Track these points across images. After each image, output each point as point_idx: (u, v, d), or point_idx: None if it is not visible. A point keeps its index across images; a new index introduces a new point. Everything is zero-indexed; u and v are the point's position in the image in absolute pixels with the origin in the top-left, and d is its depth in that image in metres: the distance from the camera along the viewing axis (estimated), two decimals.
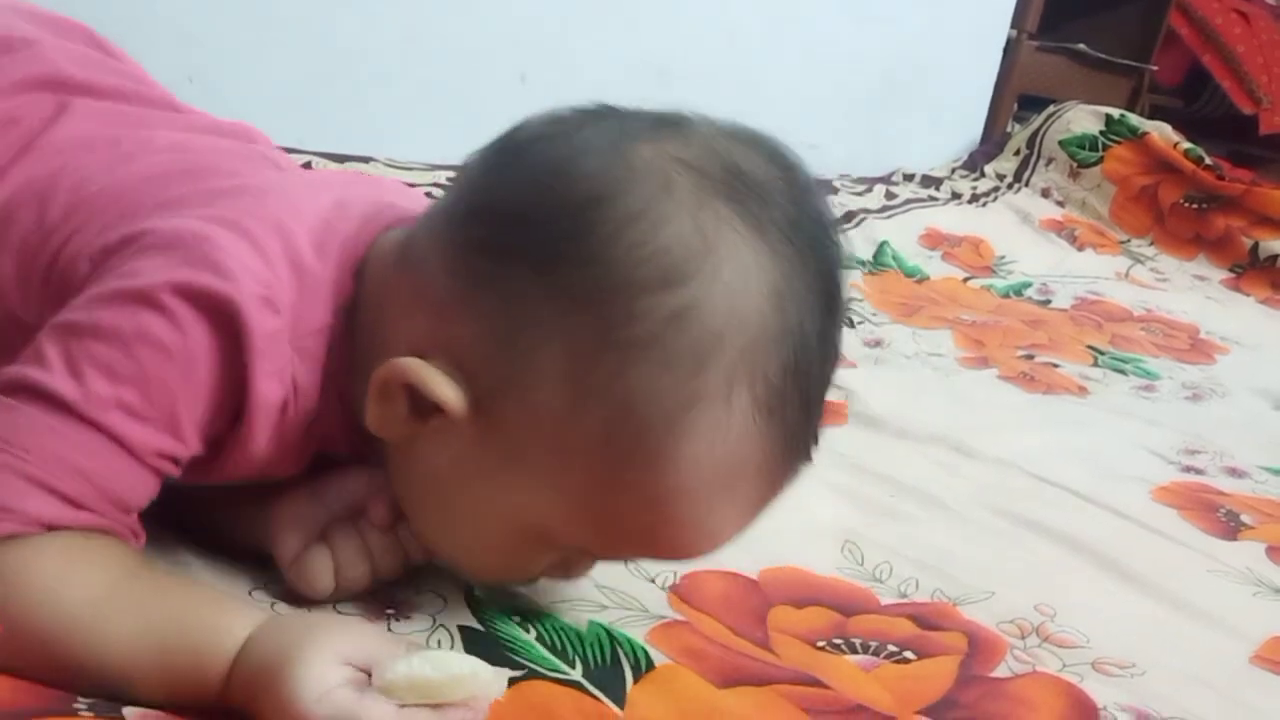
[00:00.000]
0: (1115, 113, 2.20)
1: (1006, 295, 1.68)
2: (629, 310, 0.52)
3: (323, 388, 0.59)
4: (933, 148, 2.27)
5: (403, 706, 0.49)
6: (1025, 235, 1.97)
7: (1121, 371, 1.39)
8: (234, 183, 0.63)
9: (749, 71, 1.90)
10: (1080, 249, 1.98)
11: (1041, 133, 2.22)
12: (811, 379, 0.56)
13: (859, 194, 1.91)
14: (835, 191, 1.88)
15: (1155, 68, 2.71)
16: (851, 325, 1.36)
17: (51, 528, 0.52)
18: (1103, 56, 2.57)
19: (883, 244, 1.71)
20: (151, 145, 0.66)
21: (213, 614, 0.53)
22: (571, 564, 0.63)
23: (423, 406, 0.55)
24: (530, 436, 0.54)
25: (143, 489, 0.55)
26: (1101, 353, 1.45)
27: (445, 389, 0.54)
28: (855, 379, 1.16)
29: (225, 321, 0.54)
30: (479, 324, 0.54)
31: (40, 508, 0.51)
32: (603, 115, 0.57)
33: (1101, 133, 2.17)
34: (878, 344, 1.33)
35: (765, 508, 0.58)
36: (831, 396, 1.12)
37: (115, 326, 0.53)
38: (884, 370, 1.25)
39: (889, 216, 1.84)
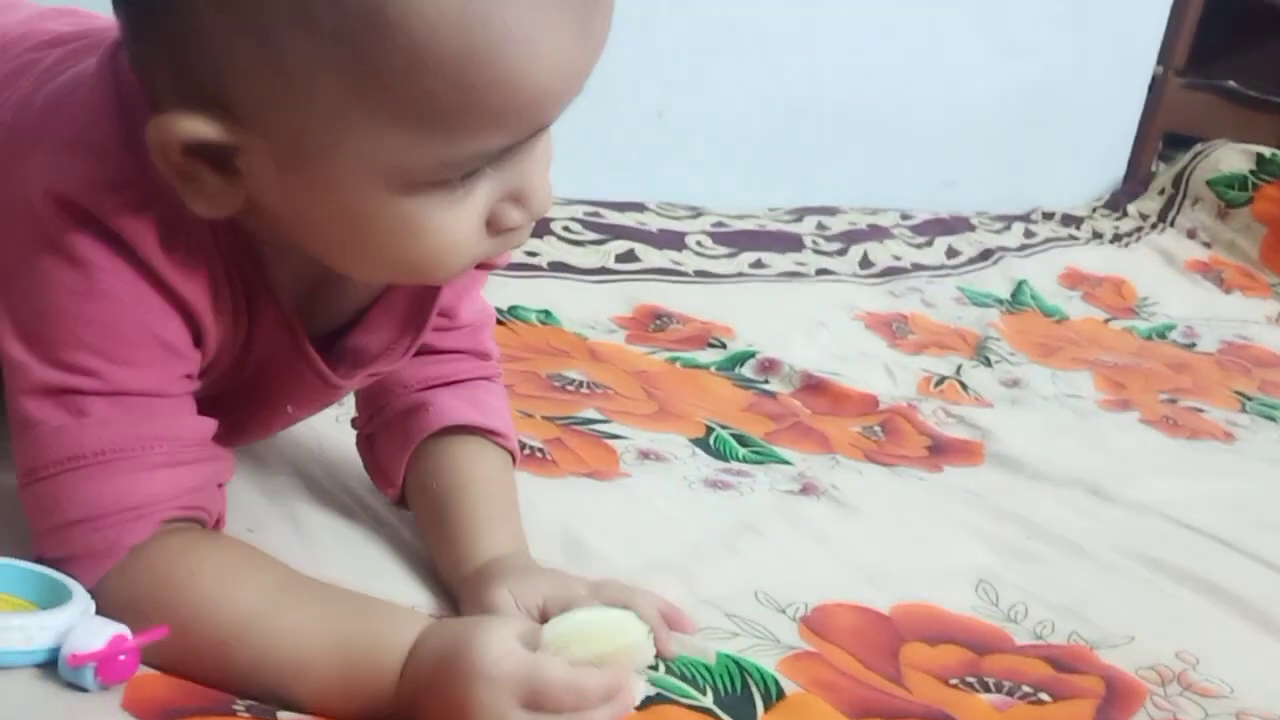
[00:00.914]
0: (1266, 151, 2.13)
1: (1149, 338, 1.64)
2: None
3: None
4: (1073, 186, 2.23)
5: (572, 663, 0.52)
6: (1170, 277, 1.92)
7: (1271, 419, 1.35)
8: None
9: (885, 107, 1.90)
10: (1228, 291, 1.92)
11: (1188, 172, 2.16)
12: None
13: (997, 232, 1.88)
14: (973, 228, 1.86)
15: None
16: (989, 364, 1.35)
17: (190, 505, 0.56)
18: (1253, 94, 2.49)
19: (1021, 283, 1.68)
20: None
21: (385, 609, 0.57)
22: (501, 219, 0.55)
23: (217, 160, 0.52)
24: (301, 98, 0.49)
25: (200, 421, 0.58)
26: (1249, 398, 1.41)
27: (199, 125, 0.50)
28: (992, 419, 1.15)
29: (107, 237, 0.54)
30: (173, 54, 0.51)
31: (170, 484, 0.56)
32: None
33: (1252, 172, 2.11)
34: (1015, 384, 1.31)
35: (588, 30, 0.51)
36: (968, 435, 1.12)
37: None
38: (1021, 411, 1.24)
39: (1028, 255, 1.82)
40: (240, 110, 0.50)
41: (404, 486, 0.72)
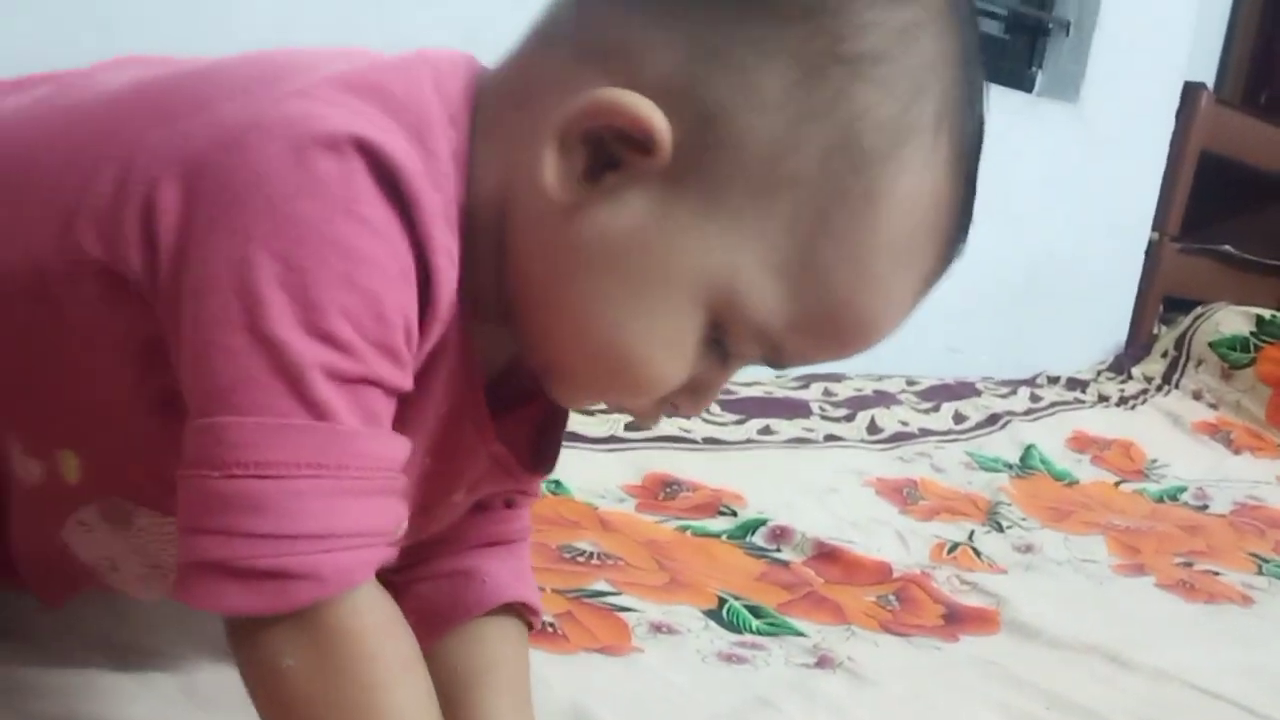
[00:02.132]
0: (1266, 313, 2.16)
1: (1161, 500, 1.64)
2: (860, 20, 0.49)
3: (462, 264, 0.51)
4: (1077, 350, 2.25)
5: None
6: (1178, 439, 1.93)
7: None
8: (289, 64, 0.53)
9: None
10: (1237, 452, 1.92)
11: (1190, 334, 2.19)
12: (977, 156, 0.53)
13: (1003, 396, 1.90)
14: (979, 393, 1.87)
15: None
16: (1001, 529, 1.34)
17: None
18: (1250, 257, 2.54)
19: (1029, 447, 1.69)
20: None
21: None
22: (705, 386, 0.56)
23: (600, 162, 0.50)
24: (736, 172, 0.49)
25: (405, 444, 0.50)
26: (1265, 560, 1.40)
27: (657, 117, 0.48)
28: (1006, 585, 1.14)
29: (394, 196, 0.47)
30: (679, 50, 0.49)
31: (392, 516, 0.49)
32: None
33: (1252, 334, 2.13)
34: (1028, 549, 1.31)
35: (930, 290, 0.55)
36: (983, 603, 1.11)
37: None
38: (1035, 577, 1.23)
39: (1035, 419, 1.83)
40: (681, 127, 0.49)
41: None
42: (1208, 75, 2.66)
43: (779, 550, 1.16)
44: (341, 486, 0.46)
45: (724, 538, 1.18)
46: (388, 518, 0.48)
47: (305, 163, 0.46)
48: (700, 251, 0.50)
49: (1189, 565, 1.33)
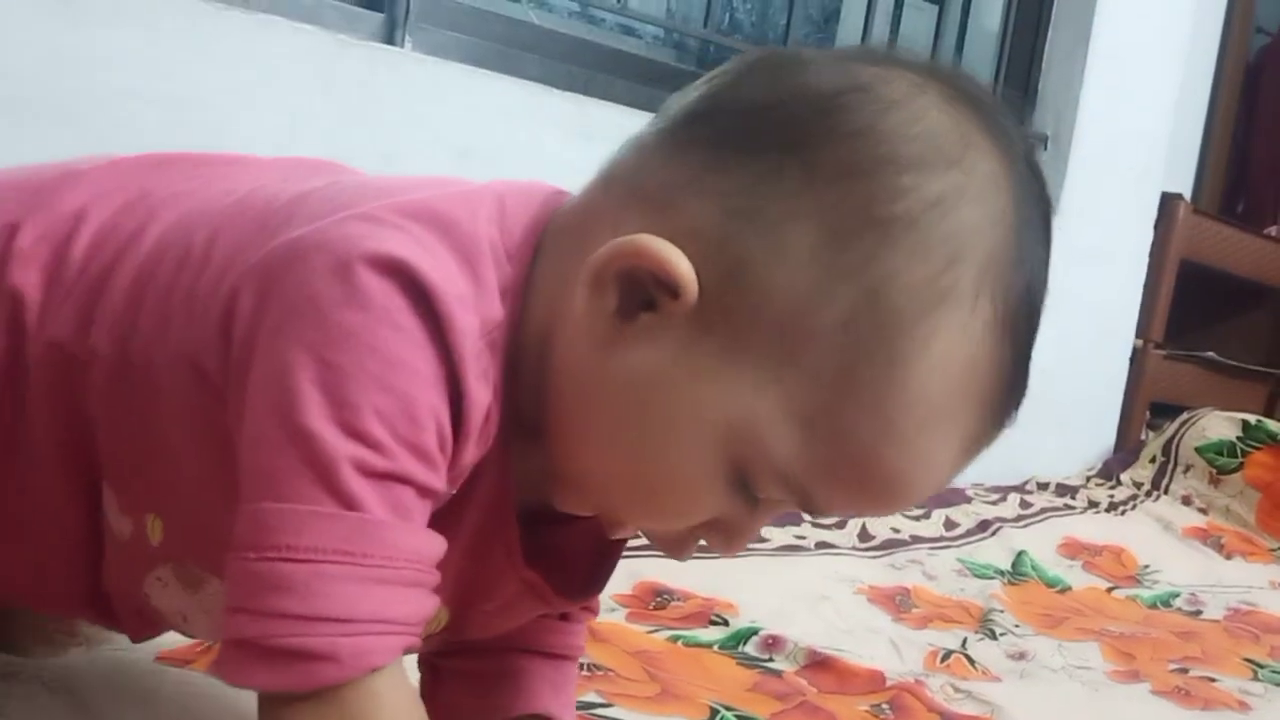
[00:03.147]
0: (1251, 418, 2.18)
1: (1154, 606, 1.63)
2: (894, 185, 0.49)
3: (503, 387, 0.53)
4: (1065, 456, 2.26)
5: None
6: (1169, 544, 1.92)
7: None
8: (366, 189, 0.57)
9: None
10: (1228, 557, 1.92)
11: (1177, 440, 2.20)
12: (1035, 317, 0.53)
13: (993, 503, 1.90)
14: (969, 500, 1.87)
15: None
16: (994, 637, 1.33)
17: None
18: (1234, 363, 2.56)
19: (1021, 554, 1.68)
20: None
21: None
22: (735, 527, 0.56)
23: (635, 300, 0.51)
24: (761, 324, 0.50)
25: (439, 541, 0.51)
26: (1261, 666, 1.39)
27: (683, 264, 0.50)
28: (1001, 693, 1.13)
29: (428, 314, 0.49)
30: (715, 203, 0.51)
31: (417, 607, 0.49)
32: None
33: (1239, 438, 2.14)
34: (1022, 656, 1.30)
35: (978, 453, 0.54)
36: (977, 711, 1.10)
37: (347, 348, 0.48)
38: (1031, 684, 1.21)
39: (1025, 526, 1.83)
40: (711, 274, 0.50)
41: None
42: (1185, 186, 2.72)
43: (771, 660, 1.15)
44: (367, 573, 0.47)
45: (716, 648, 1.17)
46: (412, 607, 0.49)
47: (350, 277, 0.49)
48: (721, 395, 0.51)
49: (1184, 671, 1.32)
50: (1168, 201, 2.38)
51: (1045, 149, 2.21)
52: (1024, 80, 2.35)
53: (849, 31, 2.69)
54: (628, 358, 0.52)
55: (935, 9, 2.35)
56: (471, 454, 0.52)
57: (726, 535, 0.56)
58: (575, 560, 0.63)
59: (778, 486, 0.53)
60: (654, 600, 1.27)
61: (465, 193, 0.56)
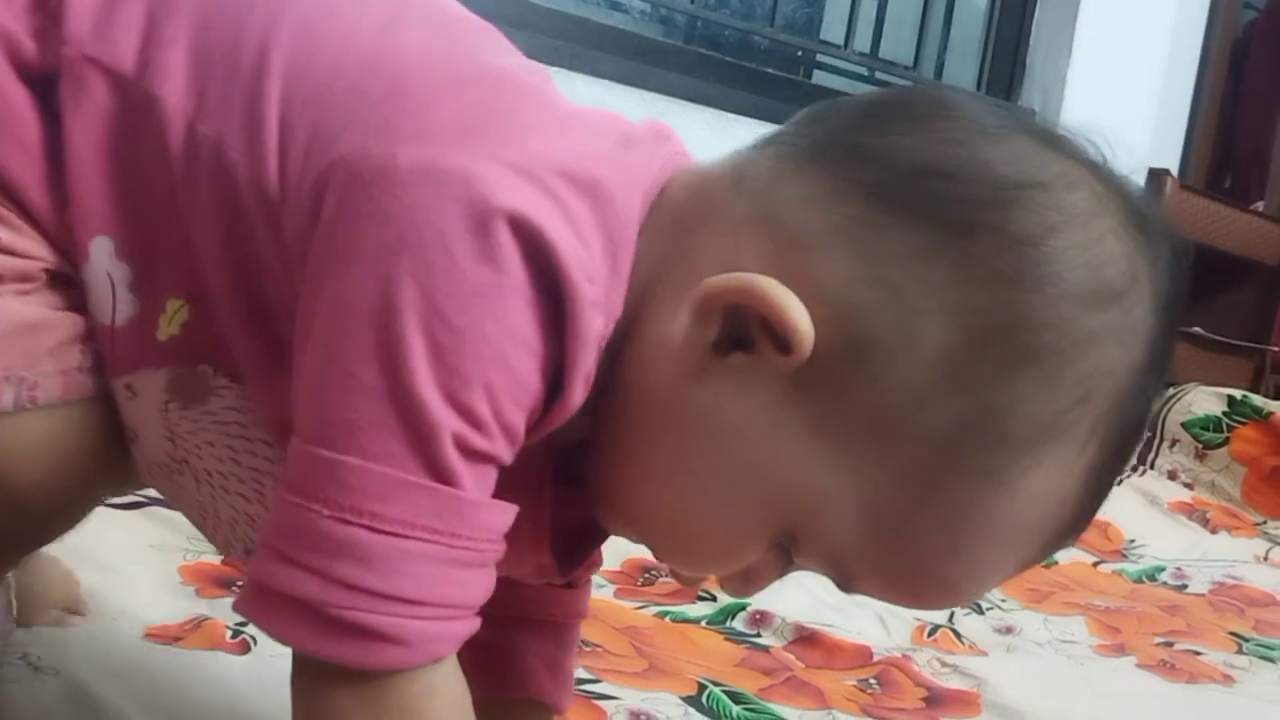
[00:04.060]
0: (1237, 394, 2.18)
1: (1139, 580, 1.64)
2: (1049, 313, 0.46)
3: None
4: None
5: None
6: (1154, 518, 1.93)
7: (1269, 659, 1.33)
8: (508, 98, 0.51)
9: None
10: (1214, 532, 1.93)
11: (1163, 415, 2.20)
12: (1123, 459, 0.51)
13: None
14: None
15: (1277, 348, 2.70)
16: (981, 611, 1.34)
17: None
18: (1220, 339, 2.57)
19: None
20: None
21: None
22: (757, 577, 0.54)
23: (734, 338, 0.48)
24: (865, 406, 0.47)
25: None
26: (1245, 639, 1.40)
27: (804, 322, 0.46)
28: (988, 668, 1.14)
29: (557, 307, 0.46)
30: (855, 266, 0.46)
31: (485, 588, 0.47)
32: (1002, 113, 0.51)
33: (1224, 414, 2.15)
34: (1009, 630, 1.30)
35: (1028, 568, 0.52)
36: (964, 685, 1.10)
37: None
38: (1017, 658, 1.22)
39: None
40: (829, 340, 0.47)
41: None
42: (1172, 162, 2.72)
43: (759, 635, 1.16)
44: (451, 555, 0.45)
45: (704, 623, 1.17)
46: (481, 590, 0.47)
47: (491, 231, 0.45)
48: (798, 464, 0.48)
49: (1170, 645, 1.33)
50: (1155, 177, 2.39)
51: None
52: (1011, 56, 2.35)
53: (836, 8, 2.68)
54: (709, 395, 0.48)
55: None
56: (534, 436, 0.49)
57: (745, 582, 0.54)
58: (574, 536, 0.61)
59: (822, 562, 0.52)
60: (642, 576, 1.27)
61: (629, 154, 0.51)
